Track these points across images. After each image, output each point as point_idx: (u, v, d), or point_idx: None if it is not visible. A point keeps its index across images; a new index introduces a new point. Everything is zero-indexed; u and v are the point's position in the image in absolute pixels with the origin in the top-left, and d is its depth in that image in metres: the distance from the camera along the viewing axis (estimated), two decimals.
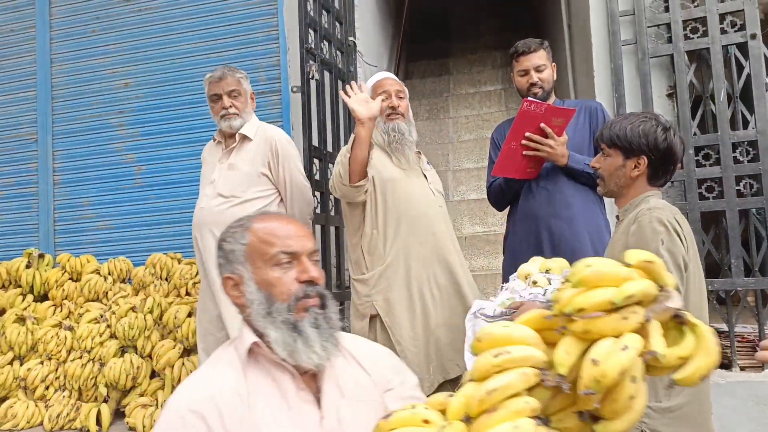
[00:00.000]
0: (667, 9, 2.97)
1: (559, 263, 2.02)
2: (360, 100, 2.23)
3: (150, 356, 3.14)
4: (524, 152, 2.29)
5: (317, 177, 3.17)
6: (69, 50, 4.17)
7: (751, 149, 2.81)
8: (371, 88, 2.50)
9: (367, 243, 2.36)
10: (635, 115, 1.82)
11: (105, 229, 4.05)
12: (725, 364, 2.80)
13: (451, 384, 2.32)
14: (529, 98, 2.22)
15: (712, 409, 1.79)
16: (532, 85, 2.44)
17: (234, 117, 2.57)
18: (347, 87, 2.30)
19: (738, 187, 2.80)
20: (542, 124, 2.23)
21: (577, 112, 2.35)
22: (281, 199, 2.61)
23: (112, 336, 3.21)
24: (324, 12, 3.40)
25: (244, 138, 2.60)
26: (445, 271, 2.37)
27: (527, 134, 2.25)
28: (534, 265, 2.02)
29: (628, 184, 1.81)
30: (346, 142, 3.32)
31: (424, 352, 2.30)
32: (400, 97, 2.46)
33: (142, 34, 4.08)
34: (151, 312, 3.20)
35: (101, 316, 3.32)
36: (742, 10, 2.81)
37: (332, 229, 3.30)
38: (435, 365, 2.30)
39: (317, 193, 3.19)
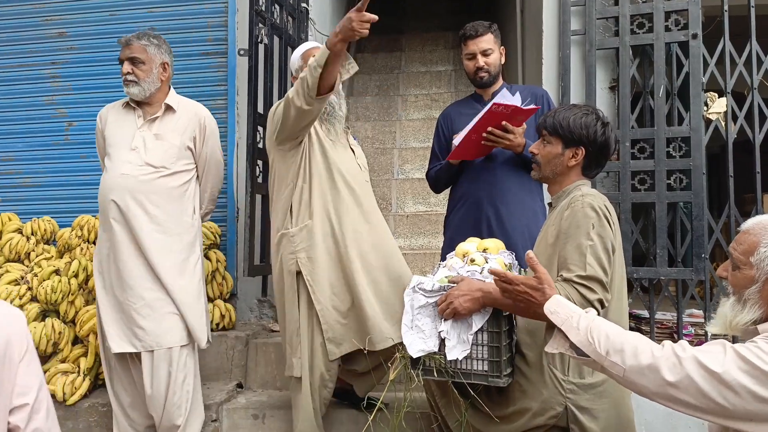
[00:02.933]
0: (616, 2, 3.02)
1: (495, 243, 2.06)
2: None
3: (73, 322, 3.01)
4: (483, 142, 2.31)
5: (260, 145, 3.09)
6: None
7: (683, 145, 2.92)
8: (300, 56, 2.45)
9: (298, 196, 2.33)
10: (579, 107, 1.88)
11: (29, 186, 3.82)
12: None
13: (371, 356, 2.31)
14: (497, 101, 2.21)
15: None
16: (479, 69, 2.46)
17: (132, 84, 2.49)
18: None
19: (668, 181, 2.92)
20: (504, 122, 2.25)
21: (522, 98, 2.37)
22: (197, 176, 2.63)
23: (33, 299, 3.04)
24: None
25: (168, 108, 2.54)
26: (372, 243, 2.36)
27: (489, 129, 2.27)
28: (472, 244, 2.05)
29: (563, 172, 1.87)
30: None
31: (343, 315, 2.30)
32: None
33: None
34: (76, 276, 3.04)
35: (21, 278, 3.14)
36: (687, 9, 2.90)
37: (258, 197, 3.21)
38: (355, 331, 2.31)
39: (260, 162, 3.11)
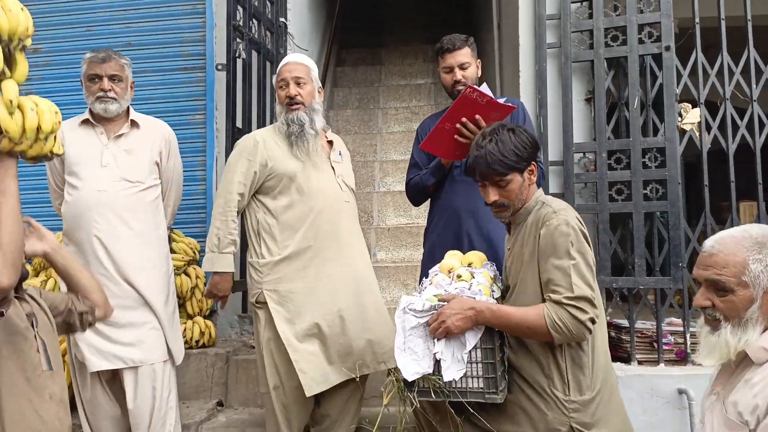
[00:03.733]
0: (591, 16, 3.07)
1: (478, 256, 2.06)
2: None
3: None
4: (455, 136, 2.28)
5: None
6: None
7: (659, 155, 2.96)
8: (277, 72, 2.47)
9: (266, 230, 2.34)
10: (498, 133, 1.86)
11: None
12: (624, 358, 2.96)
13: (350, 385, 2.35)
14: (474, 86, 2.20)
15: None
16: (456, 82, 2.47)
17: (111, 101, 2.48)
18: None
19: (645, 191, 2.95)
20: (477, 116, 2.22)
21: None
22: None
23: None
24: None
25: (134, 124, 2.55)
26: (346, 270, 2.37)
27: (462, 119, 2.22)
28: (455, 259, 2.04)
29: (526, 194, 1.89)
30: (271, 122, 3.24)
31: (310, 349, 2.29)
32: (301, 84, 2.40)
33: None
34: None
35: None
36: (659, 22, 2.95)
37: None
38: (335, 366, 2.31)
39: None
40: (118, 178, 2.45)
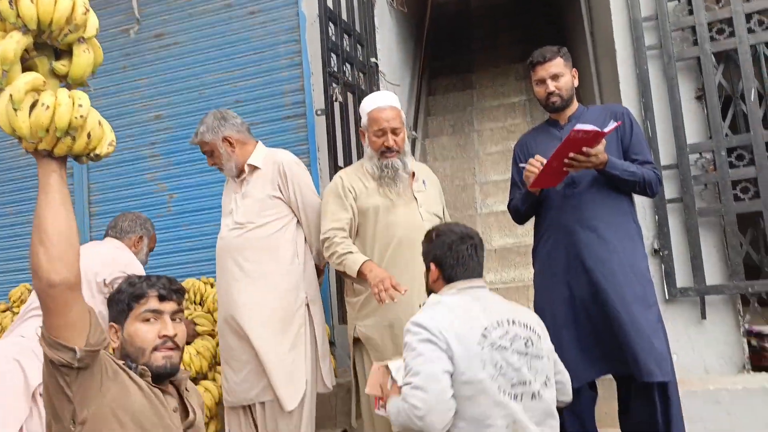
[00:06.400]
0: (691, 12, 2.93)
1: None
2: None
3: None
4: (566, 169, 2.24)
5: None
6: (101, 86, 4.30)
7: None
8: (367, 114, 2.49)
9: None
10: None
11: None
12: None
13: None
14: (578, 127, 2.12)
15: None
16: (550, 94, 2.42)
17: (220, 170, 2.69)
18: None
19: None
20: (585, 148, 2.16)
21: (603, 117, 2.32)
22: (298, 220, 2.63)
23: None
24: (345, 36, 3.46)
25: (254, 168, 2.63)
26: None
27: (571, 155, 2.18)
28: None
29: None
30: None
31: None
32: (397, 132, 2.44)
33: (170, 67, 4.21)
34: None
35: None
36: None
37: None
38: None
39: None
40: (234, 224, 2.59)
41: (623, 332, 2.13)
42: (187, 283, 3.64)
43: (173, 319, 1.58)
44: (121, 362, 1.48)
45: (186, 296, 3.48)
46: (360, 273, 2.26)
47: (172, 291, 1.60)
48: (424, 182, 2.57)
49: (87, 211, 4.28)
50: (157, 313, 1.55)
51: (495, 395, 1.63)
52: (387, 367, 1.84)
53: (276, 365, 2.43)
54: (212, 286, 3.64)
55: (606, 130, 2.13)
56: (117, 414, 1.37)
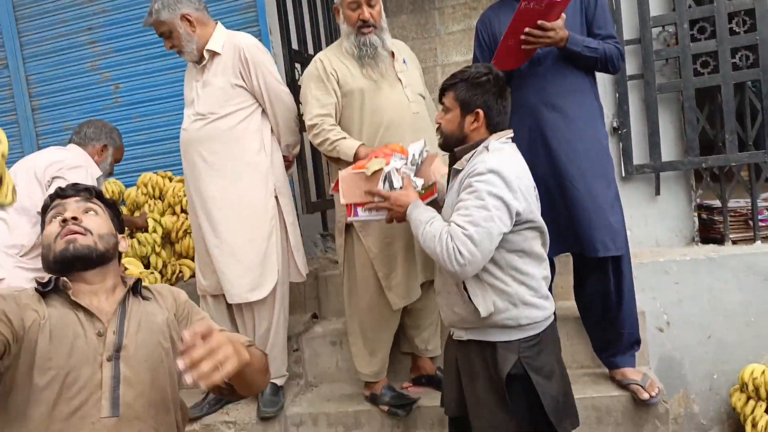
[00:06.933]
0: None
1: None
2: None
3: (161, 273, 3.25)
4: (523, 47, 2.16)
5: (299, 83, 3.06)
6: None
7: (747, 18, 2.69)
8: None
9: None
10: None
11: None
12: (717, 240, 2.86)
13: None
14: None
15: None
16: None
17: (180, 54, 2.50)
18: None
19: (733, 60, 2.71)
20: (540, 22, 2.07)
21: None
22: (263, 109, 2.52)
23: None
24: None
25: (214, 54, 2.47)
26: None
27: (526, 30, 2.09)
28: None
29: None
30: (328, 44, 3.19)
31: (389, 264, 2.36)
32: (372, 5, 2.30)
33: None
34: (155, 231, 3.29)
35: None
36: None
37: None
38: (401, 284, 2.38)
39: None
40: (195, 114, 2.48)
41: (582, 208, 2.18)
42: (144, 177, 3.55)
43: (85, 213, 1.46)
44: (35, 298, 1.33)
45: (145, 191, 3.46)
46: (356, 156, 2.23)
47: (75, 189, 1.50)
48: (404, 61, 2.47)
49: (29, 105, 4.03)
50: (59, 208, 1.45)
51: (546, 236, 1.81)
52: (366, 171, 1.90)
53: (248, 255, 2.45)
54: (170, 179, 3.56)
55: None
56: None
